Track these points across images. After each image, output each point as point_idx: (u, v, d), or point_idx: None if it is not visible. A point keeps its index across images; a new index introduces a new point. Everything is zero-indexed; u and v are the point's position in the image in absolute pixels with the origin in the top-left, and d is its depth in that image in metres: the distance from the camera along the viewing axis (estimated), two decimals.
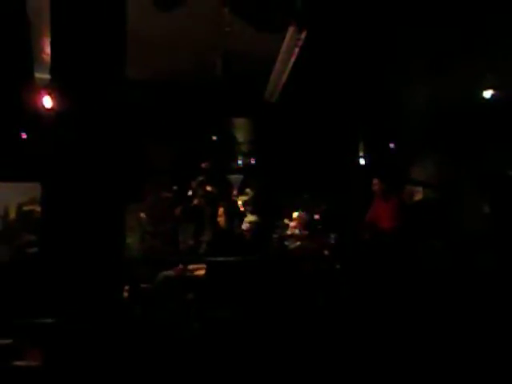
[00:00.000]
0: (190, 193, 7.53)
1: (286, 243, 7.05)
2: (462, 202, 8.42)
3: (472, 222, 7.83)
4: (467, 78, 7.44)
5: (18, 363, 3.23)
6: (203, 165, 7.97)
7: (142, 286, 5.47)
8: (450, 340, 4.54)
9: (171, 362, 3.76)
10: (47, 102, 5.49)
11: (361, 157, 10.08)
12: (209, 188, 7.40)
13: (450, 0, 5.69)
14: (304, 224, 7.34)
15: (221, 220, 6.03)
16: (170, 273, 5.68)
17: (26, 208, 7.91)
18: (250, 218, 7.45)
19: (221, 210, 6.09)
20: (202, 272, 5.43)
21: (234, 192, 8.70)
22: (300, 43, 6.63)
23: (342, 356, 4.19)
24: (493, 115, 8.18)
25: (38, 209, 6.42)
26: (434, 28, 6.24)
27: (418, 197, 9.44)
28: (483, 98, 7.98)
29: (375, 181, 7.11)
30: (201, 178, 7.44)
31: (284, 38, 6.81)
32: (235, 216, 6.81)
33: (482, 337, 4.54)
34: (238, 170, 9.73)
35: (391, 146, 10.06)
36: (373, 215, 7.10)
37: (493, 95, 7.89)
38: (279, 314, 4.67)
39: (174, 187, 7.93)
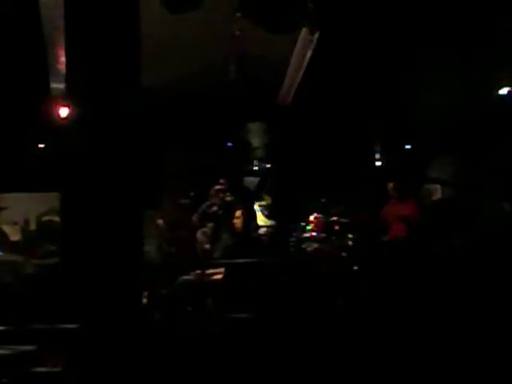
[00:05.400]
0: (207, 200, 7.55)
1: (304, 246, 7.06)
2: (482, 200, 8.36)
3: (493, 220, 7.77)
4: (482, 76, 7.40)
5: (40, 369, 3.27)
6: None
7: (161, 291, 5.51)
8: (468, 341, 4.49)
9: (190, 365, 3.78)
10: (63, 111, 5.55)
11: (377, 159, 10.07)
12: (227, 196, 7.41)
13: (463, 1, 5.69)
14: (321, 226, 7.33)
15: (237, 222, 5.97)
16: (189, 278, 5.71)
17: (45, 218, 8.00)
18: (266, 221, 7.48)
19: (238, 212, 6.03)
20: (220, 276, 5.45)
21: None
22: (313, 45, 6.64)
23: (362, 356, 4.18)
24: (510, 111, 8.13)
25: (57, 219, 6.49)
26: (448, 28, 6.23)
27: (437, 196, 9.40)
28: (500, 96, 7.94)
29: (390, 184, 7.15)
30: (218, 187, 7.45)
31: (296, 40, 6.83)
32: (252, 220, 6.82)
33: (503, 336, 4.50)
34: (255, 173, 9.75)
35: (408, 146, 10.04)
36: (387, 218, 7.12)
37: (509, 92, 7.85)
38: (298, 315, 4.67)
39: (192, 193, 7.96)
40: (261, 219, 7.71)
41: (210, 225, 7.17)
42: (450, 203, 8.71)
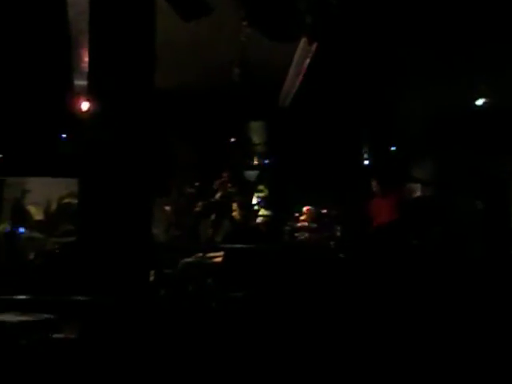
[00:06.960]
0: (212, 189, 7.59)
1: (297, 234, 7.09)
2: (458, 199, 8.40)
3: (466, 216, 7.81)
4: (462, 87, 7.42)
5: (57, 336, 3.31)
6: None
7: (166, 271, 5.54)
8: (446, 324, 4.48)
9: (191, 335, 3.82)
10: (85, 106, 5.56)
11: (365, 158, 10.09)
12: (229, 187, 7.45)
13: (447, 19, 5.70)
14: (312, 217, 7.36)
15: (235, 214, 6.05)
16: (191, 259, 5.74)
17: (65, 201, 8.04)
18: (263, 211, 7.50)
19: (235, 204, 6.12)
20: (219, 259, 5.48)
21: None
22: (311, 54, 6.65)
23: (345, 329, 4.20)
24: (484, 121, 8.16)
25: (75, 201, 6.51)
26: (434, 43, 6.24)
27: (417, 194, 9.42)
28: (476, 106, 7.96)
29: (374, 182, 7.17)
30: (223, 179, 7.50)
31: (296, 49, 6.84)
32: (250, 210, 6.86)
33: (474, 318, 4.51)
34: (255, 167, 9.79)
35: (393, 148, 10.05)
36: (372, 211, 7.14)
37: (485, 103, 7.87)
38: (288, 295, 4.71)
39: (197, 184, 7.99)
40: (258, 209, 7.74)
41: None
42: (428, 200, 8.76)
